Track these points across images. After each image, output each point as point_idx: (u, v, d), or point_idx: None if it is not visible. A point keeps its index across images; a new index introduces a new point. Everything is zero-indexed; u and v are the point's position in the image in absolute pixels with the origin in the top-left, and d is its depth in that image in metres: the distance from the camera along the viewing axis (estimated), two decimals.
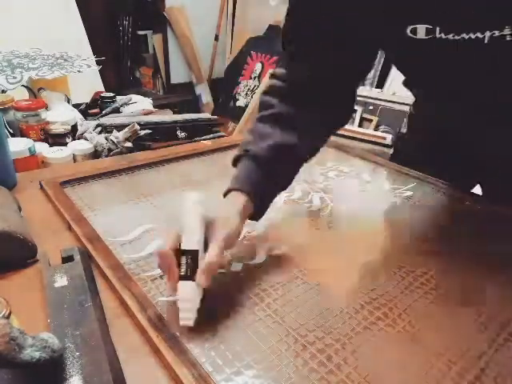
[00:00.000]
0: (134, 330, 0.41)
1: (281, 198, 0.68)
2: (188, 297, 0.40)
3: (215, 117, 1.20)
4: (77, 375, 0.33)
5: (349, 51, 0.55)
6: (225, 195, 0.51)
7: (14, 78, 0.94)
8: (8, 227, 0.47)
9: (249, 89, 2.80)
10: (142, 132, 0.95)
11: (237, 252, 0.53)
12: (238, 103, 2.84)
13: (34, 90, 1.15)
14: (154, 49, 3.14)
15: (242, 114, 2.63)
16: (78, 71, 1.03)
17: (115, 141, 0.91)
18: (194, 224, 0.41)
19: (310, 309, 0.45)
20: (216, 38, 3.15)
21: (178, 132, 1.06)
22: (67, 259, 0.48)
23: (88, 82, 1.42)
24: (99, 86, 1.55)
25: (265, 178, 0.52)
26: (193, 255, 0.40)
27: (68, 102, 1.16)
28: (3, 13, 1.46)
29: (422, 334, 0.43)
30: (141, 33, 3.17)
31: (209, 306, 0.43)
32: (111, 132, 0.94)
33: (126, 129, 0.93)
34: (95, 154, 0.93)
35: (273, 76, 0.60)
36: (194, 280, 0.40)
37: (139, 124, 0.95)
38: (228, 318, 0.43)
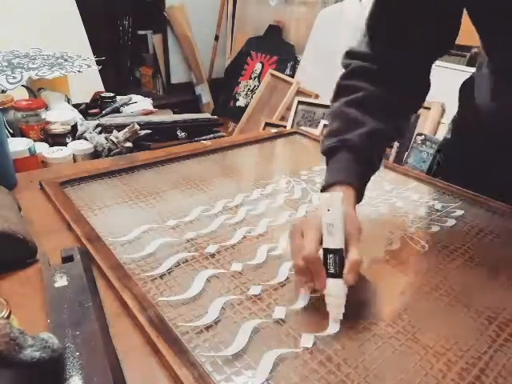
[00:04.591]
0: (134, 330, 0.41)
1: (281, 198, 0.68)
2: (339, 294, 0.42)
3: (215, 117, 1.20)
4: (77, 375, 0.33)
5: (436, 18, 0.54)
6: (327, 187, 0.52)
7: (14, 77, 0.94)
8: (8, 227, 0.47)
9: (249, 89, 2.80)
10: (142, 132, 0.95)
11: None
12: (238, 103, 2.84)
13: (34, 89, 1.15)
14: (154, 49, 3.15)
15: (242, 114, 2.63)
16: (78, 71, 1.03)
17: (115, 141, 0.91)
18: (340, 223, 0.42)
19: (310, 309, 0.45)
20: (216, 38, 3.15)
21: (178, 132, 1.06)
22: (67, 259, 0.48)
23: (88, 82, 1.42)
24: (99, 86, 1.55)
25: (364, 167, 0.53)
26: (339, 254, 0.42)
27: (68, 102, 1.16)
28: (3, 13, 1.46)
29: (421, 333, 0.43)
30: (141, 33, 3.18)
31: (209, 306, 0.43)
32: (111, 132, 0.94)
33: (126, 129, 0.93)
34: (95, 154, 0.93)
35: (352, 55, 0.59)
36: (340, 277, 0.42)
37: (139, 124, 0.95)
38: (228, 318, 0.43)
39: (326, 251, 0.43)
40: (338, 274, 0.42)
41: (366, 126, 0.53)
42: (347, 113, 0.55)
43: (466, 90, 0.73)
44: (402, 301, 0.47)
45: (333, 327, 0.42)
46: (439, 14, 0.53)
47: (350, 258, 0.42)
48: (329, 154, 0.55)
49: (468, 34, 0.59)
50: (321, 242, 0.43)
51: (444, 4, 0.53)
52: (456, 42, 0.60)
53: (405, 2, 0.54)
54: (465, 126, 0.75)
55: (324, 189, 0.52)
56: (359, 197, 0.53)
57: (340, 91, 0.58)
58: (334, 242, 0.42)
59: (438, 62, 0.82)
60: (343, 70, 0.60)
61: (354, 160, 0.52)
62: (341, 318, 0.42)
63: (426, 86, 0.61)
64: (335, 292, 0.42)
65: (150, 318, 0.40)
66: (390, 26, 0.56)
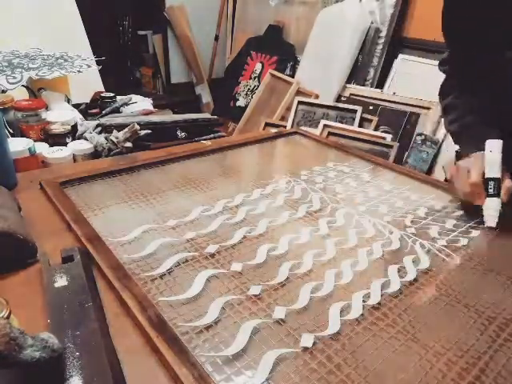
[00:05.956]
0: (134, 330, 0.41)
1: (281, 198, 0.68)
2: (496, 208, 0.62)
3: (215, 117, 1.20)
4: (77, 375, 0.33)
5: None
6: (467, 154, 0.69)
7: (14, 77, 0.94)
8: (8, 227, 0.47)
9: (249, 89, 2.80)
10: (142, 132, 0.95)
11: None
12: (238, 103, 2.84)
13: (34, 90, 1.15)
14: (154, 49, 3.15)
15: (242, 114, 2.62)
16: (78, 71, 1.03)
17: (115, 141, 0.91)
18: (499, 160, 0.63)
19: (310, 309, 0.45)
20: (216, 38, 3.15)
21: (178, 132, 1.06)
22: (67, 259, 0.48)
23: (88, 82, 1.42)
24: (99, 86, 1.55)
25: (490, 133, 0.67)
26: (498, 181, 0.62)
27: (68, 102, 1.16)
28: (3, 13, 1.46)
29: (421, 333, 0.43)
30: (141, 33, 3.18)
31: (209, 306, 0.43)
32: (111, 132, 0.94)
33: (126, 129, 0.93)
34: (95, 154, 0.93)
35: (443, 63, 0.80)
36: (498, 196, 0.62)
37: (139, 124, 0.95)
38: (228, 318, 0.43)
39: (488, 180, 0.63)
40: (496, 194, 0.62)
41: (475, 106, 0.73)
42: (458, 104, 0.75)
43: None
44: (402, 301, 0.47)
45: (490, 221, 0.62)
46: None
47: (506, 184, 0.62)
48: (457, 135, 0.76)
49: None
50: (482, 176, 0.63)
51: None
52: None
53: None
54: None
55: (463, 156, 0.70)
56: None
57: (445, 91, 0.79)
58: (494, 172, 0.63)
59: (437, 63, 0.83)
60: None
61: (481, 132, 0.68)
62: (494, 225, 0.62)
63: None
64: (494, 206, 0.62)
65: (150, 318, 0.40)
66: (461, 28, 0.67)
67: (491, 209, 0.62)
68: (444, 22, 0.67)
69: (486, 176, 0.63)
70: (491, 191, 0.62)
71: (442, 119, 0.75)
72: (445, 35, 0.69)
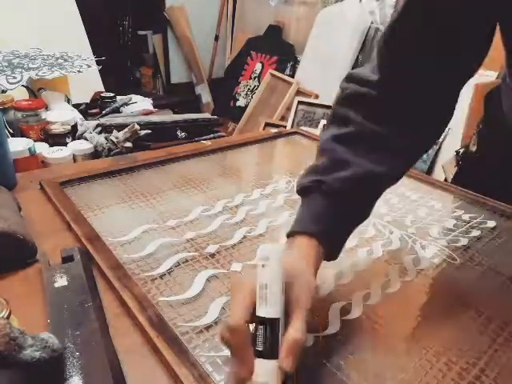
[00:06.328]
0: (134, 330, 0.41)
1: (281, 198, 0.68)
2: (268, 380, 0.31)
3: (215, 117, 1.20)
4: (77, 375, 0.33)
5: (462, 34, 0.42)
6: (289, 236, 0.43)
7: (14, 77, 0.94)
8: (8, 227, 0.47)
9: (249, 89, 2.80)
10: (142, 132, 0.95)
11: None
12: (238, 103, 2.84)
13: (34, 90, 1.15)
14: (154, 49, 3.15)
15: (242, 114, 2.63)
16: (78, 71, 1.03)
17: (115, 141, 0.91)
18: (277, 285, 0.32)
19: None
20: (216, 38, 3.15)
21: (178, 132, 1.06)
22: (67, 259, 0.48)
23: (88, 82, 1.42)
24: (99, 86, 1.55)
25: (341, 217, 0.43)
26: (272, 325, 0.32)
27: (68, 102, 1.16)
28: (3, 13, 1.46)
29: (422, 333, 0.43)
30: (141, 33, 3.18)
31: (209, 306, 0.43)
32: (111, 132, 0.94)
33: (126, 129, 0.93)
34: (95, 154, 0.93)
35: (351, 79, 0.48)
36: (274, 358, 0.31)
37: (139, 124, 0.95)
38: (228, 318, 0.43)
39: (259, 322, 0.32)
40: (269, 354, 0.31)
41: (354, 167, 0.43)
42: (334, 149, 0.45)
43: (493, 101, 0.69)
44: (402, 301, 0.47)
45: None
46: (469, 29, 0.42)
47: (289, 335, 0.31)
48: (302, 194, 0.46)
49: None
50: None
51: (475, 19, 0.42)
52: None
53: (429, 17, 0.42)
54: (492, 139, 0.71)
55: (287, 237, 0.43)
56: (329, 253, 0.43)
57: (332, 119, 0.49)
58: (267, 309, 0.32)
59: None
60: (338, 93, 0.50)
61: (327, 207, 0.43)
62: None
63: (442, 122, 0.48)
64: (264, 379, 0.31)
65: (150, 318, 0.40)
66: (409, 44, 0.44)
67: (262, 377, 0.31)
68: (388, 34, 0.45)
69: (257, 314, 0.32)
70: (259, 347, 0.31)
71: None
72: (382, 52, 0.46)
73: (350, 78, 0.48)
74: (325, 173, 0.44)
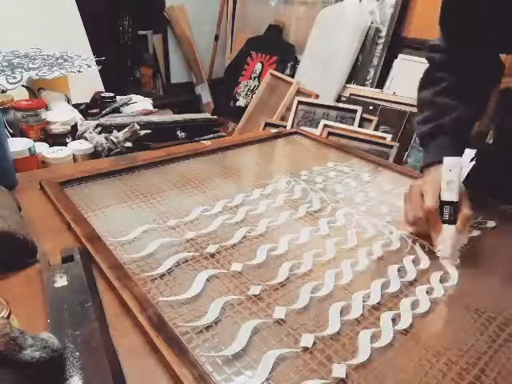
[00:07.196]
0: (134, 330, 0.41)
1: (281, 198, 0.68)
2: (452, 236, 0.53)
3: (215, 117, 1.20)
4: (77, 375, 0.33)
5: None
6: (428, 166, 0.62)
7: (14, 77, 0.94)
8: (8, 227, 0.47)
9: (249, 89, 2.80)
10: (142, 132, 0.95)
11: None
12: (238, 103, 2.84)
13: (34, 90, 1.15)
14: (154, 49, 3.15)
15: (242, 114, 2.62)
16: (78, 71, 1.03)
17: (115, 141, 0.91)
18: (458, 181, 0.54)
19: (310, 309, 0.45)
20: (216, 38, 3.15)
21: (178, 132, 1.06)
22: (67, 259, 0.48)
23: (88, 82, 1.42)
24: (99, 86, 1.54)
25: (457, 146, 0.63)
26: (455, 205, 0.54)
27: (68, 102, 1.16)
28: (3, 13, 1.46)
29: (421, 333, 0.43)
30: (141, 33, 3.18)
31: (209, 306, 0.43)
32: (111, 132, 0.94)
33: (126, 129, 0.93)
34: (95, 154, 0.93)
35: (434, 49, 0.69)
36: (454, 224, 0.53)
37: (139, 124, 0.95)
38: (228, 318, 0.43)
39: (444, 203, 0.54)
40: (452, 221, 0.53)
41: (456, 111, 0.63)
42: (437, 101, 0.65)
43: (509, 98, 0.75)
44: (401, 301, 0.47)
45: (452, 270, 0.52)
46: (505, 13, 0.57)
47: (464, 211, 0.54)
48: (427, 137, 0.65)
49: None
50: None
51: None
52: None
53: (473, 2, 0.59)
54: (508, 137, 0.74)
55: (424, 167, 0.63)
56: None
57: (426, 82, 0.69)
58: (452, 195, 0.54)
59: None
60: (427, 64, 0.70)
61: (449, 142, 0.62)
62: (447, 256, 0.53)
63: (497, 69, 0.68)
64: (449, 234, 0.53)
65: (150, 318, 0.40)
66: (460, 23, 0.63)
67: (444, 237, 0.54)
68: (442, 13, 0.64)
69: (442, 199, 0.55)
70: (446, 217, 0.54)
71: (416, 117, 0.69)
72: (441, 28, 0.66)
73: (433, 48, 0.69)
74: (439, 118, 0.64)
